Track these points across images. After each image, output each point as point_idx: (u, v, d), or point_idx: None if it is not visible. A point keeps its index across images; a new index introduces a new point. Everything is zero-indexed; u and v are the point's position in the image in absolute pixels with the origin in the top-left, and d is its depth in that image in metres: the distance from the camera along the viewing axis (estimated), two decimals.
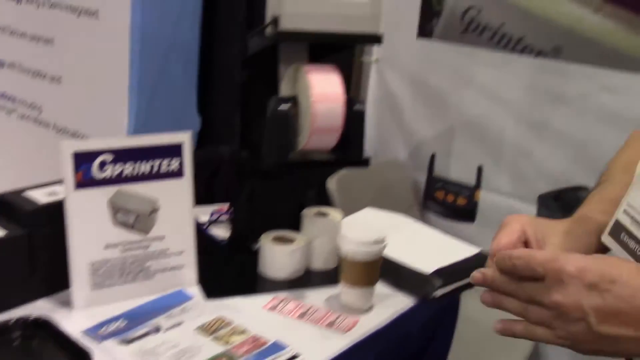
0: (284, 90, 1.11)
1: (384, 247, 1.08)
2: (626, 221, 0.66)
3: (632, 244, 0.64)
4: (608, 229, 0.68)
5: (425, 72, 1.85)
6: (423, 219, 1.87)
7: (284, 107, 1.04)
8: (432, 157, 1.86)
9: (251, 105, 1.19)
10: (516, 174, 1.75)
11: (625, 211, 0.66)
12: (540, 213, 1.53)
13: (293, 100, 1.08)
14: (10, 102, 2.39)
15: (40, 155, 2.21)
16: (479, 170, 1.79)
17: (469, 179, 1.80)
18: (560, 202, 1.56)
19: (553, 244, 0.73)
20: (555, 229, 0.75)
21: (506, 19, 1.66)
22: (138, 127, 2.01)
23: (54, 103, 2.23)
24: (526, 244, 0.73)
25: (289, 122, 1.06)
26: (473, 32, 1.72)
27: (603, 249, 0.70)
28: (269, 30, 1.04)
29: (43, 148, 2.28)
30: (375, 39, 1.07)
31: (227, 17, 2.12)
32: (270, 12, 1.05)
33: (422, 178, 1.90)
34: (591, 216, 0.74)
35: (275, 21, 1.03)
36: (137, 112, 2.00)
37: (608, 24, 1.52)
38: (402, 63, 1.90)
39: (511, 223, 0.74)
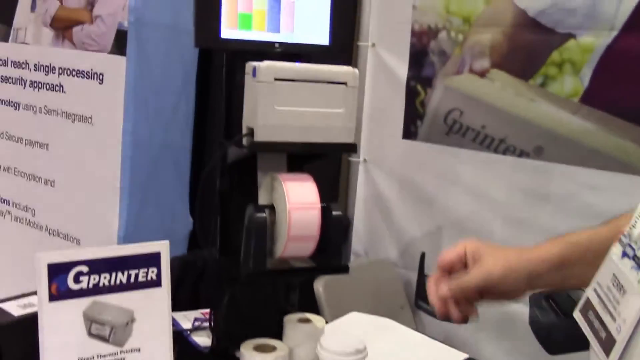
0: (262, 198, 1.12)
1: (365, 357, 1.05)
2: (594, 299, 0.67)
3: (596, 324, 0.65)
4: (579, 305, 0.69)
5: (411, 172, 1.87)
6: (415, 319, 1.83)
7: (260, 216, 1.05)
8: (422, 256, 1.83)
9: (231, 213, 1.20)
10: None
11: (594, 289, 0.67)
12: (533, 313, 1.50)
13: (270, 208, 1.08)
14: (6, 205, 2.41)
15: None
16: None
17: None
18: (552, 302, 1.53)
19: (484, 263, 0.87)
20: (494, 253, 0.87)
21: (487, 121, 1.70)
22: (129, 231, 2.02)
23: (47, 206, 2.26)
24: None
25: (266, 231, 1.06)
26: (456, 133, 1.75)
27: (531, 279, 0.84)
28: (245, 141, 1.07)
29: (36, 250, 2.26)
30: (351, 148, 1.09)
31: (213, 123, 2.17)
32: (245, 123, 1.07)
33: (413, 277, 1.88)
34: (534, 248, 0.81)
35: (250, 132, 1.05)
36: (127, 215, 2.01)
37: (586, 125, 1.54)
38: (389, 163, 1.92)
39: (459, 244, 0.89)
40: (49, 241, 2.24)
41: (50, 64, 2.17)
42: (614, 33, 1.47)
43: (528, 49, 1.61)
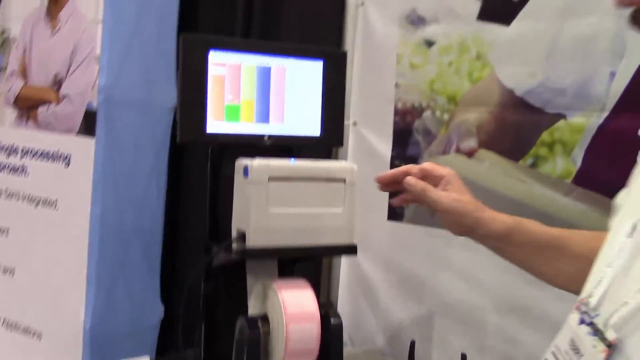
0: (253, 307, 1.02)
1: None
2: None
3: None
4: None
5: (398, 255, 1.78)
6: None
7: (254, 332, 0.94)
8: (412, 345, 1.74)
9: (217, 318, 1.10)
10: None
11: (553, 352, 0.73)
12: None
13: (263, 319, 0.98)
14: None
15: None
16: (463, 358, 1.67)
17: None
18: None
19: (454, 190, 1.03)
20: (464, 192, 1.03)
21: None
22: (95, 323, 1.88)
23: (5, 296, 2.10)
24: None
25: (259, 347, 0.95)
26: None
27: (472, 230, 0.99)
28: (235, 247, 0.97)
29: None
30: (351, 250, 1.00)
31: (190, 202, 2.07)
32: (235, 225, 0.98)
33: None
34: (492, 211, 1.00)
35: (242, 237, 0.95)
36: (94, 306, 1.87)
37: (579, 206, 1.49)
38: (373, 245, 1.84)
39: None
40: (6, 336, 2.07)
41: (12, 145, 2.05)
42: (605, 114, 1.44)
43: (517, 129, 1.56)
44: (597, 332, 0.67)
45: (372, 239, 1.85)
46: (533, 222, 1.02)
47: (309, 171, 0.97)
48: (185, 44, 1.00)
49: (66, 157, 1.92)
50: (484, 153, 1.63)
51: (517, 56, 1.54)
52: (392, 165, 1.78)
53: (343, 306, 1.91)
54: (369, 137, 1.82)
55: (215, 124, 1.05)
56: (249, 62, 1.06)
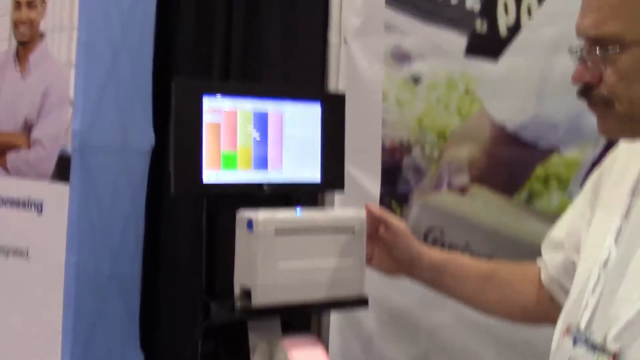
0: None
1: None
2: None
3: None
4: None
5: (389, 293, 1.73)
6: None
7: None
8: None
9: None
10: None
11: None
12: None
13: None
14: None
15: None
16: None
17: None
18: None
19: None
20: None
21: (471, 238, 1.60)
22: None
23: None
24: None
25: None
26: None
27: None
28: (239, 305, 0.91)
29: None
30: (361, 302, 0.95)
31: (170, 247, 1.99)
32: (239, 281, 0.92)
33: None
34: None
35: (246, 294, 0.89)
36: None
37: None
38: (366, 286, 1.78)
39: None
40: None
41: None
42: (599, 149, 1.42)
43: (510, 164, 1.54)
44: (595, 348, 0.77)
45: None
46: (465, 256, 1.17)
47: (317, 222, 0.92)
48: (177, 90, 0.95)
49: (38, 204, 1.83)
50: (476, 189, 1.59)
51: (507, 92, 1.53)
52: (382, 202, 1.73)
53: (334, 347, 1.85)
54: (358, 176, 1.77)
55: (212, 174, 0.99)
56: (245, 108, 1.01)
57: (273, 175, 1.04)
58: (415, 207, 1.68)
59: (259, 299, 0.87)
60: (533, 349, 1.52)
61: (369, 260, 1.01)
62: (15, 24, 1.86)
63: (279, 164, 1.05)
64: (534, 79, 1.49)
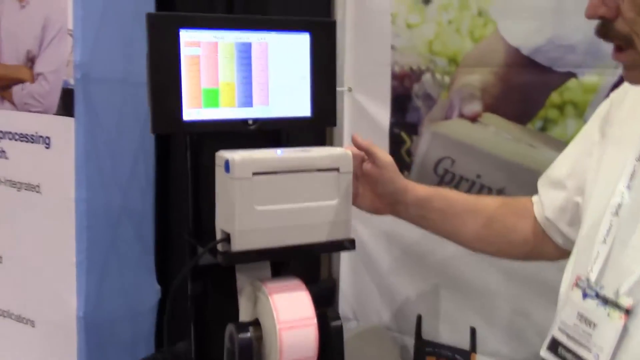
0: (244, 308, 0.93)
1: None
2: (562, 337, 0.78)
3: (569, 357, 0.76)
4: (545, 344, 0.81)
5: (400, 226, 1.68)
6: None
7: (244, 340, 0.86)
8: (419, 319, 1.67)
9: (207, 319, 1.01)
10: (514, 335, 1.56)
11: (559, 329, 0.79)
12: None
13: (255, 324, 0.90)
14: None
15: None
16: (473, 332, 1.60)
17: (462, 342, 1.61)
18: None
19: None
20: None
21: (482, 170, 1.53)
22: (89, 309, 1.80)
23: None
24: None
25: (251, 356, 0.87)
26: (449, 183, 1.58)
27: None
28: (220, 248, 0.88)
29: None
30: (348, 246, 0.91)
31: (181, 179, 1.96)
32: (219, 225, 0.89)
33: (409, 342, 1.71)
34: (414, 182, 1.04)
35: (227, 238, 0.86)
36: (86, 293, 1.79)
37: None
38: (375, 218, 1.74)
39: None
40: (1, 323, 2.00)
41: None
42: (619, 71, 1.32)
43: (524, 90, 1.45)
44: (607, 302, 0.73)
45: None
46: (451, 190, 1.11)
47: (298, 162, 0.87)
48: (151, 25, 0.89)
49: (46, 138, 1.81)
50: (489, 117, 1.52)
51: (523, 11, 1.42)
52: (391, 133, 1.67)
53: (345, 282, 1.84)
54: (366, 103, 1.70)
55: (192, 112, 0.94)
56: (226, 39, 0.94)
57: (259, 112, 0.99)
58: (425, 137, 1.61)
59: (238, 244, 0.84)
60: (543, 282, 1.48)
61: (354, 199, 0.96)
62: None
63: (265, 100, 0.99)
64: None
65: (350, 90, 1.72)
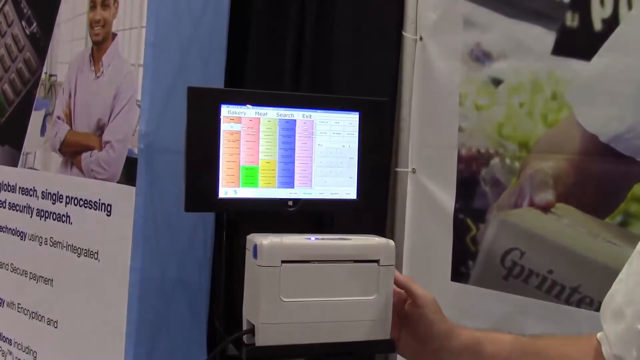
0: None
1: None
2: None
3: None
4: None
5: (462, 321, 1.56)
6: None
7: None
8: None
9: None
10: None
11: None
12: None
13: None
14: (7, 344, 2.18)
15: None
16: None
17: None
18: None
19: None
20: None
21: (555, 265, 1.40)
22: None
23: (49, 349, 2.02)
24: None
25: None
26: (517, 277, 1.45)
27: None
28: (246, 340, 0.80)
29: None
30: (387, 347, 0.81)
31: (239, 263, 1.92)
32: (245, 316, 0.81)
33: None
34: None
35: (251, 331, 0.78)
36: None
37: None
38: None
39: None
40: None
41: (57, 192, 1.98)
42: None
43: (602, 181, 1.33)
44: None
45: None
46: (502, 332, 0.93)
47: (333, 250, 0.79)
48: (192, 98, 0.85)
49: (107, 206, 1.82)
50: (562, 208, 1.40)
51: (601, 96, 1.32)
52: (456, 219, 1.57)
53: None
54: (430, 186, 1.62)
55: (229, 190, 0.88)
56: (269, 115, 0.90)
57: (300, 192, 0.92)
58: (492, 225, 1.50)
59: (263, 338, 0.76)
60: None
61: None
62: (90, 24, 1.86)
63: (308, 181, 0.93)
64: (633, 82, 1.27)
65: (414, 172, 1.64)
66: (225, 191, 0.87)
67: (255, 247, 0.77)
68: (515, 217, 1.47)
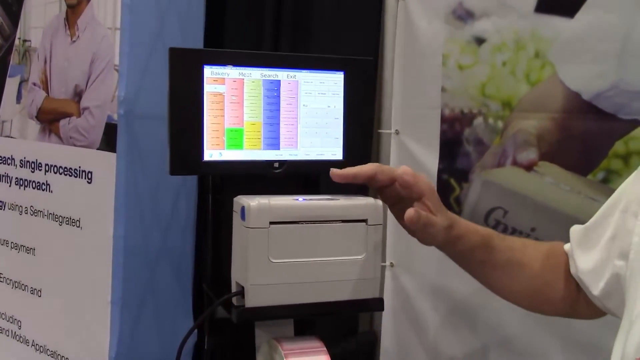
0: None
1: None
2: None
3: None
4: None
5: (447, 280, 1.58)
6: None
7: None
8: None
9: None
10: None
11: None
12: None
13: None
14: None
15: None
16: None
17: None
18: None
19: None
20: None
21: (537, 223, 1.41)
22: (121, 351, 1.74)
23: (34, 318, 2.01)
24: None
25: None
26: None
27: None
28: (235, 302, 0.80)
29: None
30: (375, 305, 0.82)
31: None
32: (234, 277, 0.81)
33: None
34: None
35: (240, 292, 0.78)
36: (119, 333, 1.73)
37: None
38: (419, 268, 1.64)
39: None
40: (36, 358, 1.97)
41: (36, 160, 1.95)
42: None
43: (584, 139, 1.34)
44: None
45: (419, 261, 1.65)
46: (497, 236, 0.99)
47: (321, 211, 0.79)
48: (174, 59, 0.84)
49: (88, 173, 1.80)
50: (545, 166, 1.41)
51: (584, 54, 1.32)
52: (439, 179, 1.58)
53: (387, 336, 1.72)
54: (413, 147, 1.62)
55: (214, 153, 0.87)
56: (253, 76, 0.88)
57: (286, 155, 0.92)
58: (475, 185, 1.51)
59: (252, 299, 0.76)
60: (605, 349, 1.33)
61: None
62: None
63: (294, 142, 0.92)
64: (617, 39, 1.27)
65: (397, 133, 1.64)
66: (210, 154, 0.86)
67: (243, 209, 0.77)
68: (498, 176, 1.47)
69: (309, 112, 0.92)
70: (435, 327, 1.63)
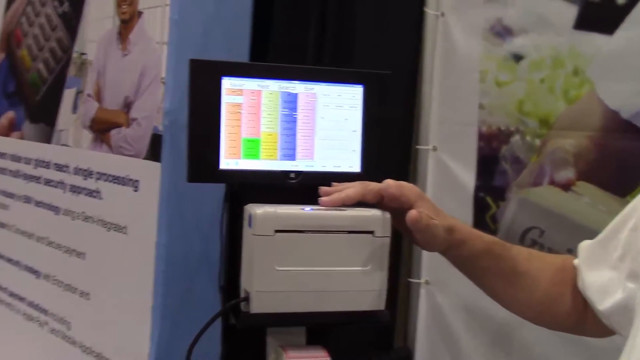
0: None
1: None
2: None
3: None
4: None
5: (482, 300, 1.54)
6: None
7: None
8: None
9: None
10: None
11: None
12: None
13: None
14: (44, 315, 2.26)
15: None
16: None
17: None
18: None
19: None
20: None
21: (575, 244, 1.36)
22: (160, 356, 1.80)
23: (82, 320, 2.08)
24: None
25: None
26: None
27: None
28: (242, 309, 0.82)
29: None
30: (379, 318, 0.82)
31: None
32: (243, 284, 0.83)
33: None
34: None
35: (246, 299, 0.80)
36: (159, 338, 1.78)
37: None
38: (454, 286, 1.62)
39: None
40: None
41: (88, 168, 2.03)
42: None
43: (623, 158, 1.30)
44: None
45: (454, 279, 1.62)
46: (502, 245, 0.97)
47: (327, 221, 0.80)
48: (193, 71, 0.87)
49: (135, 181, 1.86)
50: (583, 186, 1.37)
51: (624, 71, 1.28)
52: (476, 197, 1.56)
53: (421, 353, 1.70)
54: (450, 164, 1.60)
55: (230, 162, 0.90)
56: (271, 88, 0.90)
57: (303, 164, 0.93)
58: (512, 204, 1.48)
59: (256, 306, 0.77)
60: None
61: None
62: (118, 2, 1.89)
63: (310, 154, 0.93)
64: None
65: (435, 149, 1.63)
66: (227, 162, 0.89)
67: (250, 216, 0.79)
68: (535, 195, 1.45)
69: (326, 124, 0.93)
70: (469, 347, 1.60)
